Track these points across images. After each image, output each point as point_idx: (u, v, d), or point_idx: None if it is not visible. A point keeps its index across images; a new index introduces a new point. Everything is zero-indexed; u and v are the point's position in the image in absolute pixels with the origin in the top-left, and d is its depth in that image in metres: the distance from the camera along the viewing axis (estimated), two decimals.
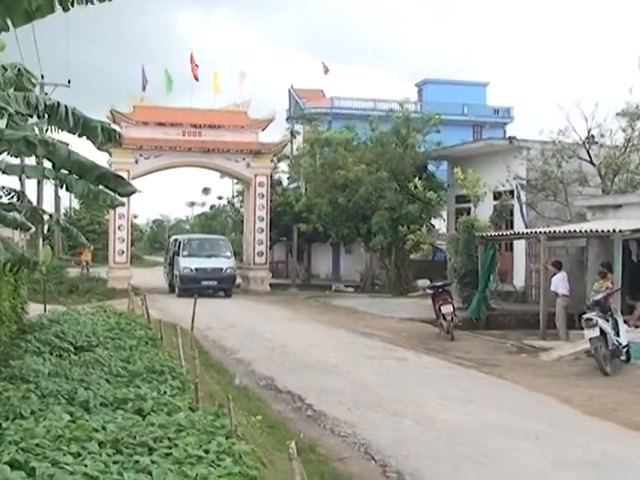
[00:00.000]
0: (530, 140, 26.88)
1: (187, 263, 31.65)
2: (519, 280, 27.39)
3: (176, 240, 34.96)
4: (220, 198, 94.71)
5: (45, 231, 40.50)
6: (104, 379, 9.89)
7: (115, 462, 6.00)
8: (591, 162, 24.79)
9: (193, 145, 34.14)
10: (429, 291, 28.10)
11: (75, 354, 12.05)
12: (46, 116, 10.45)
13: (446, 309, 19.37)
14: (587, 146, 24.90)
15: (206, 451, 6.32)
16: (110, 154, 32.64)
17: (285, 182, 46.85)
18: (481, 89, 60.79)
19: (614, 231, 17.75)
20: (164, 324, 14.24)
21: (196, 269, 31.43)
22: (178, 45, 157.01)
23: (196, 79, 36.05)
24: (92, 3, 8.24)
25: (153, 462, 5.95)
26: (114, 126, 11.20)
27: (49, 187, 38.86)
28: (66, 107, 10.38)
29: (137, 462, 5.96)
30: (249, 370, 14.34)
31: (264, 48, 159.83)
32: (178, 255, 32.50)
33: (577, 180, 24.88)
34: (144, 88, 35.85)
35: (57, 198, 46.29)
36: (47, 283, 25.10)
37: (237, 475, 5.82)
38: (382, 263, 33.50)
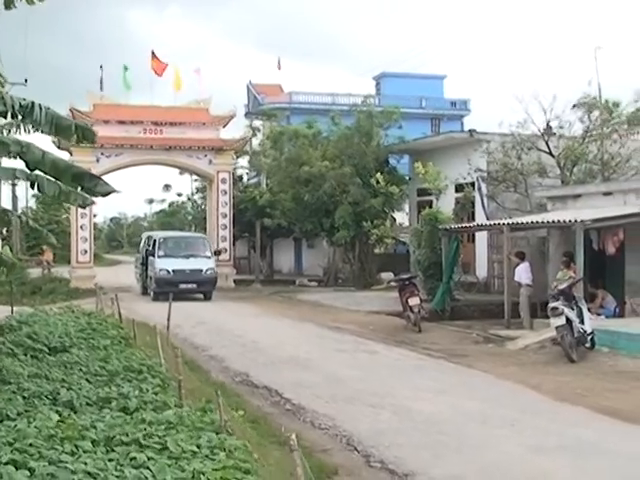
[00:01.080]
0: (490, 133, 27.27)
1: (163, 264, 28.86)
2: (481, 271, 27.80)
3: (150, 238, 31.72)
4: (179, 195, 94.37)
5: (4, 232, 40.18)
6: (84, 379, 9.97)
7: (111, 459, 6.14)
8: (550, 153, 25.24)
9: (155, 143, 34.06)
10: (393, 284, 28.46)
11: (49, 355, 12.09)
12: (20, 116, 10.51)
13: (413, 301, 19.65)
14: (546, 138, 25.34)
15: (199, 446, 6.47)
16: (71, 153, 32.41)
17: (245, 178, 46.86)
18: (438, 82, 61.27)
19: (576, 221, 18.14)
20: (136, 323, 14.35)
21: (173, 271, 28.67)
22: (132, 43, 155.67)
23: (159, 75, 35.91)
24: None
25: (149, 458, 6.09)
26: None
27: (6, 187, 38.62)
28: (40, 106, 10.45)
29: (133, 459, 6.09)
30: (223, 367, 14.47)
31: (218, 44, 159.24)
32: (153, 255, 29.58)
33: (537, 171, 25.32)
34: (101, 87, 35.81)
35: (14, 198, 45.87)
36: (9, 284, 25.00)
37: (232, 468, 5.99)
38: (346, 257, 33.74)
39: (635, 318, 19.20)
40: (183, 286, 28.27)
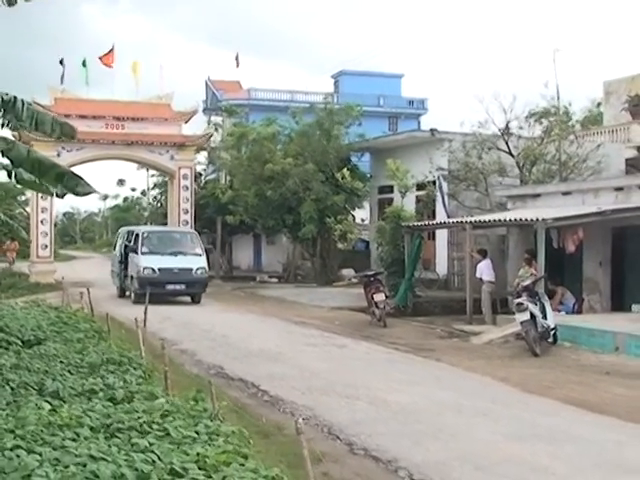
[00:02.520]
0: (451, 132, 27.75)
1: (148, 262, 25.66)
2: (442, 268, 28.26)
3: (131, 233, 28.51)
4: (134, 190, 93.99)
5: None
6: (66, 371, 10.10)
7: (113, 445, 6.33)
8: (510, 153, 25.77)
9: (116, 138, 33.94)
10: (354, 280, 28.86)
11: (22, 347, 12.17)
12: (2, 111, 10.59)
13: (378, 297, 19.99)
14: (505, 138, 25.86)
15: (197, 432, 6.71)
16: (31, 147, 32.22)
17: (204, 174, 46.89)
18: (396, 81, 61.82)
19: (538, 220, 18.60)
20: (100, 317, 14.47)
21: (159, 269, 25.45)
22: (87, 37, 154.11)
23: (108, 67, 35.90)
24: None
25: (151, 444, 6.30)
26: None
27: None
28: (23, 102, 10.55)
29: (135, 444, 6.30)
30: (196, 360, 14.64)
31: (170, 40, 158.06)
32: (135, 252, 26.44)
33: (497, 171, 25.82)
34: (62, 81, 35.62)
35: None
36: None
37: (231, 453, 6.23)
38: (307, 253, 34.02)
39: (593, 314, 19.80)
40: (170, 287, 25.54)
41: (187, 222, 35.15)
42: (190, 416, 7.35)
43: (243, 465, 5.93)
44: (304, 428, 9.51)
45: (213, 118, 50.97)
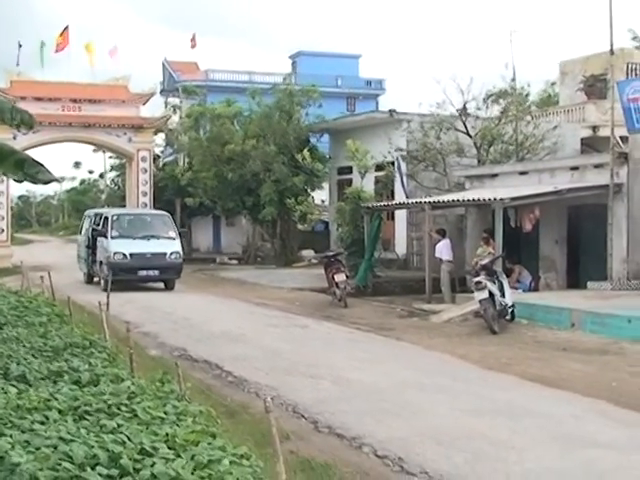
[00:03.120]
0: (410, 113, 27.94)
1: (118, 247, 24.22)
2: (401, 248, 28.50)
3: (99, 216, 26.98)
4: (91, 172, 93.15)
5: None
6: (30, 354, 10.09)
7: (81, 427, 6.40)
8: (468, 134, 26.03)
9: (73, 120, 33.70)
10: (314, 261, 29.04)
11: None
12: None
13: (339, 277, 20.16)
14: (463, 119, 26.11)
15: (166, 413, 6.79)
16: None
17: (162, 156, 46.69)
18: (354, 61, 61.83)
19: (495, 199, 18.88)
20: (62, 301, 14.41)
21: (131, 255, 24.08)
22: (38, 20, 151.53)
23: (62, 48, 35.64)
24: None
25: (119, 425, 6.38)
26: None
27: None
28: None
29: (104, 426, 6.37)
30: (158, 342, 14.68)
31: (126, 21, 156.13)
32: (104, 236, 24.92)
33: (455, 151, 26.07)
34: (18, 62, 35.28)
35: None
36: None
37: (201, 433, 6.33)
38: (267, 235, 34.12)
39: (549, 292, 20.19)
40: (143, 273, 24.39)
41: (146, 204, 35.03)
42: (157, 397, 7.42)
43: (211, 444, 6.03)
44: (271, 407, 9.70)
45: (170, 100, 50.75)
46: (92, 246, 26.26)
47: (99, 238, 25.43)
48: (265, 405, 5.65)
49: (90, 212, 29.84)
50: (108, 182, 58.44)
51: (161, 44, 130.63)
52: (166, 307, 19.68)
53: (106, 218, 25.72)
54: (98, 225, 26.27)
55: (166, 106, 49.26)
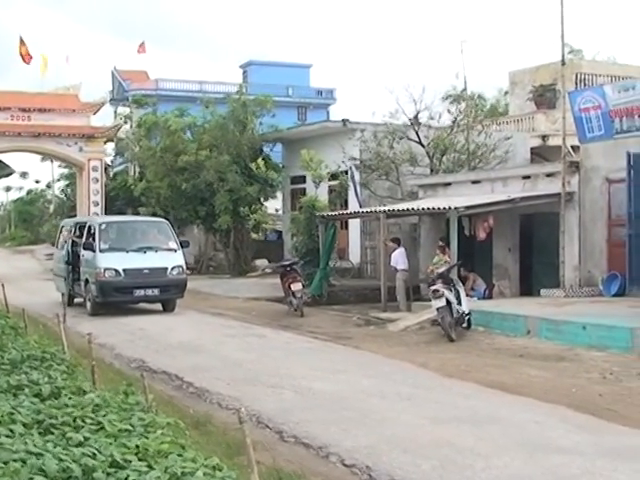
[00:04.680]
0: (363, 122, 28.11)
1: (109, 262, 20.28)
2: (355, 257, 28.61)
3: (82, 226, 22.88)
4: (38, 182, 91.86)
5: None
6: None
7: (48, 441, 6.30)
8: (420, 143, 26.25)
9: (22, 129, 33.29)
10: (269, 270, 28.99)
11: None
12: None
13: (296, 287, 20.15)
14: (416, 128, 26.33)
15: (132, 425, 6.72)
16: None
17: (112, 165, 46.30)
18: (304, 71, 62.00)
19: (450, 208, 19.05)
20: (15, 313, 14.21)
21: (125, 271, 20.16)
22: None
23: (26, 63, 35.18)
24: None
25: (86, 438, 6.29)
26: None
27: None
28: None
29: (71, 439, 6.28)
30: (115, 354, 14.55)
31: (72, 30, 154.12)
32: (90, 249, 20.82)
33: (408, 160, 26.27)
34: None
35: None
36: None
37: (170, 444, 6.27)
38: (222, 244, 34.00)
39: (504, 299, 20.41)
40: (140, 293, 20.36)
41: (97, 214, 34.70)
42: (122, 409, 7.34)
43: (182, 456, 5.98)
44: (234, 418, 9.64)
45: (121, 109, 50.33)
46: (73, 262, 22.34)
47: (84, 252, 21.33)
48: (239, 416, 5.63)
49: (68, 221, 26.21)
50: (57, 192, 57.66)
51: (108, 53, 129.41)
52: (121, 318, 19.46)
53: (91, 227, 21.79)
54: (80, 236, 22.39)
55: (116, 115, 48.89)
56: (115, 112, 51.44)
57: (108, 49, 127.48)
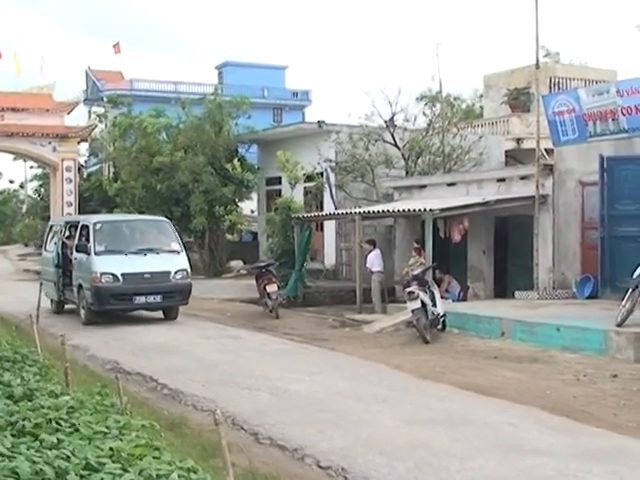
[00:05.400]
0: (338, 124, 28.14)
1: (106, 265, 18.39)
2: (330, 258, 28.62)
3: (73, 226, 21.02)
4: (12, 182, 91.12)
5: None
6: None
7: (22, 443, 6.24)
8: (395, 145, 26.31)
9: None
10: (243, 272, 28.93)
11: None
12: None
13: (271, 288, 20.11)
14: (391, 130, 26.39)
15: (108, 427, 6.67)
16: None
17: (86, 165, 46.03)
18: (280, 72, 62.11)
19: (425, 210, 19.10)
20: None
21: (124, 276, 18.31)
22: None
23: None
24: None
25: (60, 440, 6.24)
26: None
27: None
28: None
29: (44, 441, 6.22)
30: (89, 355, 14.46)
31: (44, 30, 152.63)
32: (84, 251, 18.97)
33: (383, 162, 26.32)
34: None
35: None
36: None
37: (145, 446, 6.23)
38: (197, 245, 33.88)
39: (479, 301, 20.50)
40: (141, 300, 18.51)
41: (71, 215, 34.47)
42: (97, 411, 7.29)
43: (157, 458, 5.95)
44: (209, 420, 9.61)
45: (95, 109, 50.07)
46: (64, 265, 20.57)
47: (77, 255, 19.45)
48: (214, 417, 5.61)
49: (57, 221, 24.27)
50: (30, 192, 57.24)
51: (82, 54, 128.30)
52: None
53: (84, 228, 19.82)
54: (70, 237, 20.76)
55: (90, 115, 48.66)
56: (89, 112, 51.21)
57: (82, 49, 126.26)
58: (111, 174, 38.11)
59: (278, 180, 30.42)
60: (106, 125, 41.53)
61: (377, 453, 7.91)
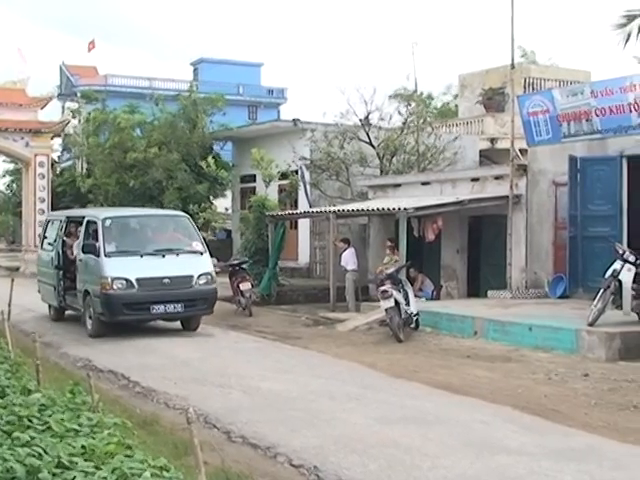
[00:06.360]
0: (314, 122, 28.08)
1: (119, 269, 15.97)
2: (304, 257, 28.59)
3: (76, 221, 18.80)
4: None
5: None
6: None
7: None
8: (370, 144, 26.33)
9: None
10: (217, 269, 28.78)
11: None
12: None
13: (245, 286, 20.09)
14: (366, 129, 26.41)
15: (80, 425, 6.64)
16: None
17: (59, 161, 45.74)
18: (255, 69, 61.97)
19: (400, 209, 19.14)
20: None
21: (139, 281, 15.90)
22: None
23: None
24: None
25: (32, 438, 6.20)
26: None
27: None
28: None
29: (16, 438, 6.18)
30: (61, 353, 14.39)
31: (18, 26, 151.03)
32: (93, 252, 16.35)
33: (358, 161, 26.30)
34: None
35: None
36: None
37: (117, 444, 6.21)
38: None
39: (452, 300, 20.59)
40: (159, 309, 16.05)
41: (43, 211, 34.29)
42: (69, 409, 7.26)
43: (130, 456, 5.93)
44: (181, 418, 9.58)
45: (68, 104, 49.77)
46: (62, 266, 18.35)
47: (82, 255, 16.97)
48: (186, 416, 5.59)
49: (56, 215, 21.28)
50: (2, 187, 56.80)
51: (55, 49, 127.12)
52: (66, 316, 19.16)
53: (91, 224, 17.30)
54: (70, 235, 18.76)
55: (63, 110, 48.35)
56: (63, 107, 50.91)
57: (56, 45, 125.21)
58: (84, 170, 37.86)
59: (253, 178, 30.34)
60: (80, 121, 41.29)
61: (349, 451, 7.93)
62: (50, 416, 6.87)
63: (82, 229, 17.49)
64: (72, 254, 18.05)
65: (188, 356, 13.67)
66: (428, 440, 8.33)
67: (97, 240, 16.42)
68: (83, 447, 5.94)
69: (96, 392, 10.13)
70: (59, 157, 46.13)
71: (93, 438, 6.38)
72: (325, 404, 10.03)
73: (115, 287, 15.74)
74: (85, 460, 5.69)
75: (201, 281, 16.55)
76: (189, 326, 17.01)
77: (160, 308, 16.02)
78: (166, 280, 16.08)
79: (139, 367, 12.58)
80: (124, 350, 14.36)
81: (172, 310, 16.18)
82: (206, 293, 16.59)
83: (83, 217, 18.16)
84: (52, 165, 37.84)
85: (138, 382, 11.51)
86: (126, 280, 15.80)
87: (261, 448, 8.19)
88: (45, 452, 5.72)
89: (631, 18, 23.96)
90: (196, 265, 16.72)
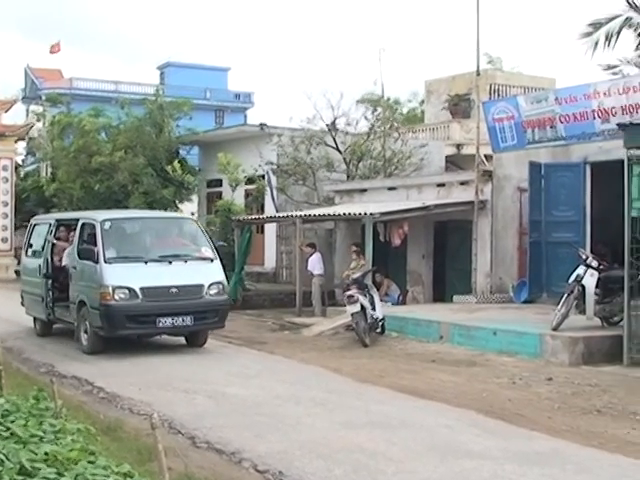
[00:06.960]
0: (280, 127, 28.11)
1: (120, 277, 14.37)
2: (270, 261, 28.56)
3: (66, 224, 17.48)
4: None
5: None
6: None
7: None
8: (337, 149, 26.40)
9: None
10: None
11: None
12: None
13: None
14: (333, 134, 26.48)
15: (44, 431, 6.58)
16: None
17: (23, 165, 45.27)
18: (222, 74, 61.93)
19: (366, 214, 19.19)
20: None
21: (143, 291, 14.33)
22: None
23: None
24: None
25: None
26: None
27: None
28: None
29: None
30: (23, 358, 14.24)
31: None
32: (91, 259, 14.71)
33: (325, 166, 26.36)
34: None
35: None
36: None
37: (80, 450, 6.16)
38: None
39: (418, 305, 20.68)
40: (166, 322, 14.45)
41: (7, 215, 33.94)
42: (32, 415, 7.18)
43: (93, 462, 5.89)
44: (145, 424, 9.51)
45: (33, 107, 49.32)
46: (50, 274, 16.69)
47: (78, 262, 15.34)
48: (151, 421, 5.56)
49: (44, 218, 20.00)
50: None
51: (18, 53, 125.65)
52: (28, 322, 18.85)
53: (87, 227, 15.69)
54: (60, 239, 17.20)
55: (28, 114, 47.93)
56: (27, 110, 50.46)
57: (18, 48, 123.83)
58: (49, 174, 37.53)
59: (219, 182, 30.30)
60: (44, 124, 40.91)
61: (315, 456, 7.93)
62: (13, 422, 6.81)
63: (76, 233, 15.85)
64: (60, 260, 16.69)
65: (152, 361, 13.61)
66: (393, 445, 8.36)
67: (95, 245, 14.81)
68: (46, 453, 5.88)
69: (59, 398, 10.07)
70: (23, 161, 45.65)
71: (57, 444, 6.33)
72: (291, 409, 10.02)
73: (116, 297, 14.16)
74: (48, 466, 5.63)
75: (212, 291, 15.04)
76: (196, 341, 15.50)
77: (167, 321, 14.46)
78: (174, 290, 14.56)
79: (103, 373, 12.50)
80: (86, 356, 14.24)
81: (181, 323, 14.58)
82: (218, 304, 15.12)
83: (77, 220, 16.43)
84: (16, 169, 37.41)
85: (102, 388, 11.43)
86: (129, 289, 14.25)
87: (226, 453, 8.16)
88: (7, 458, 5.67)
89: (597, 27, 24.26)
90: (206, 273, 15.22)
